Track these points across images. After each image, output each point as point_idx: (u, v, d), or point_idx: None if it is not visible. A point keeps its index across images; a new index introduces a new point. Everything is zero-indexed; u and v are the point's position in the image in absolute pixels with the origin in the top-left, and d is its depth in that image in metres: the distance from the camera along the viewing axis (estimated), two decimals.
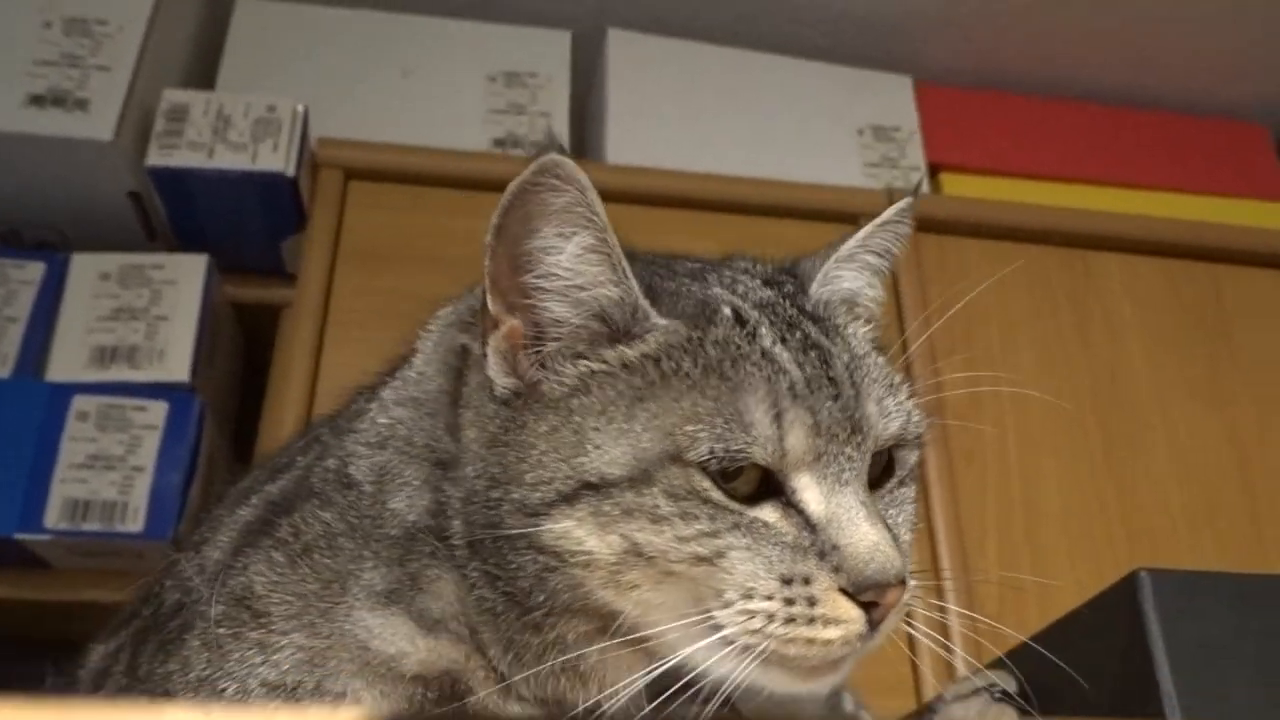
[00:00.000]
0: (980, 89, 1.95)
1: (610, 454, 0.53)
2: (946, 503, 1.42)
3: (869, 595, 0.53)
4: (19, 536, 1.31)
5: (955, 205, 1.70)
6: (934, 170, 1.81)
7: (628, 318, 0.56)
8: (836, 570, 0.53)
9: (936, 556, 1.38)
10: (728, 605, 0.52)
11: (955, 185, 1.80)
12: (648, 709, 0.55)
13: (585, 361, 0.56)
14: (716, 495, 0.53)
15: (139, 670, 0.59)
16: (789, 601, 0.52)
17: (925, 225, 1.63)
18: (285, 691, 0.55)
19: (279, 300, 1.56)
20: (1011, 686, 0.68)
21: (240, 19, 1.70)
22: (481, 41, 1.75)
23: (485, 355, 0.57)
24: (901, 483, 0.63)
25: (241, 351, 1.67)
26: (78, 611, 1.33)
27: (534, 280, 0.56)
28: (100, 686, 0.61)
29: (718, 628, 0.53)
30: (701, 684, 0.55)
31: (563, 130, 1.70)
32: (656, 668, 0.55)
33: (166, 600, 0.61)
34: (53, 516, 1.32)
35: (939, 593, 1.37)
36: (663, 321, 0.57)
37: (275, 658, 0.56)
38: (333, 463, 0.62)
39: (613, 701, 0.55)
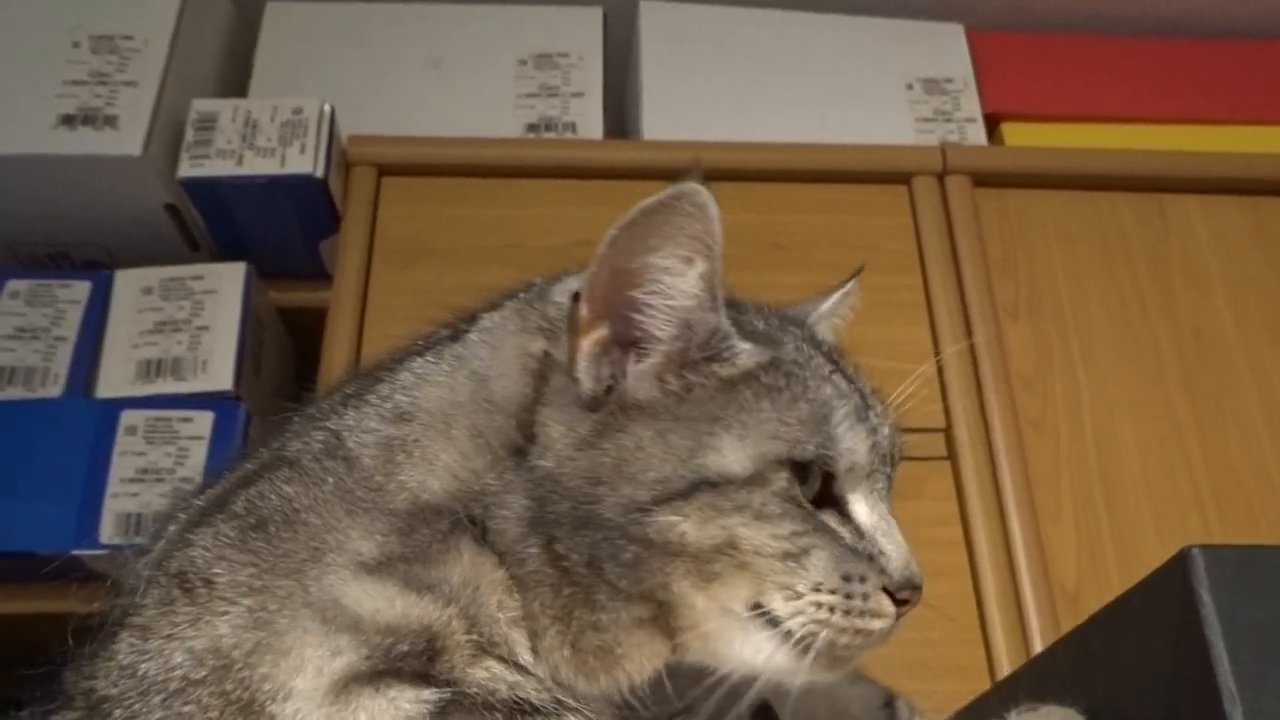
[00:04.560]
0: (1038, 31, 1.83)
1: (729, 455, 0.58)
2: (1016, 475, 1.33)
3: (905, 594, 0.61)
4: (76, 553, 1.33)
5: (1012, 156, 1.60)
6: (993, 121, 1.71)
7: (718, 342, 0.62)
8: (882, 572, 0.60)
9: (1008, 533, 1.30)
10: (798, 597, 0.58)
11: (1017, 135, 1.70)
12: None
13: (689, 374, 0.61)
14: (802, 499, 0.60)
15: (80, 670, 0.56)
16: (849, 596, 0.59)
17: (982, 180, 1.54)
18: (218, 655, 0.51)
19: (323, 303, 1.55)
20: None
21: (269, 23, 1.70)
22: (510, 25, 1.71)
23: (574, 360, 0.60)
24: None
25: (292, 356, 1.67)
26: None
27: (644, 296, 0.60)
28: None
29: (775, 620, 0.58)
30: (723, 679, 0.60)
31: (597, 110, 1.65)
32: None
33: (111, 615, 0.58)
34: (108, 531, 1.33)
35: (1009, 561, 1.30)
36: (746, 345, 0.63)
37: (214, 623, 0.52)
38: (321, 435, 0.61)
39: (634, 687, 0.59)
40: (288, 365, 1.65)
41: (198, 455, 1.37)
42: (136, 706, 0.51)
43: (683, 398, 0.60)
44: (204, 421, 1.39)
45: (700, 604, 0.58)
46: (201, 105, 1.48)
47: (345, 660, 0.51)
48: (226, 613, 0.53)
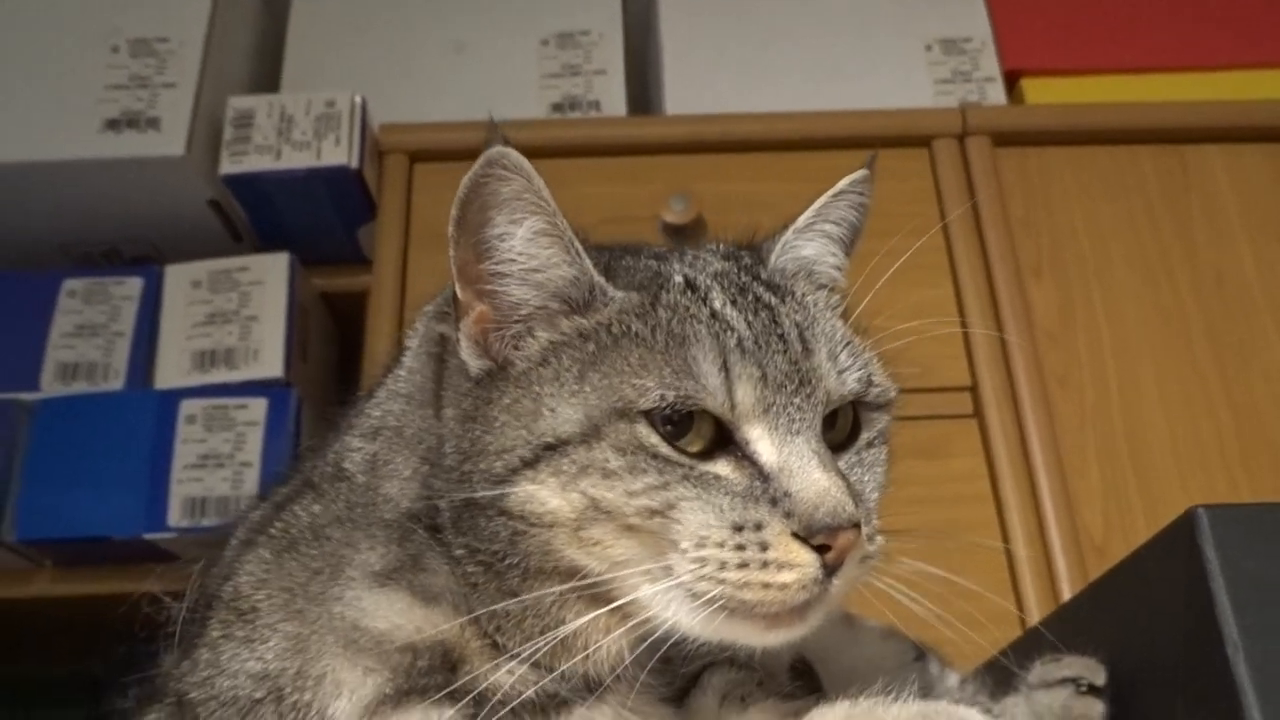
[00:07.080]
0: None
1: (563, 414, 0.57)
2: (1043, 431, 1.36)
3: (820, 538, 0.55)
4: (147, 536, 1.40)
5: (1031, 114, 1.61)
6: (1013, 77, 1.72)
7: (584, 294, 0.60)
8: (788, 515, 0.56)
9: (1035, 487, 1.34)
10: (684, 554, 0.55)
11: (1038, 91, 1.71)
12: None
13: (546, 334, 0.60)
14: (665, 450, 0.56)
15: (172, 673, 0.63)
16: (740, 547, 0.55)
17: (1001, 139, 1.56)
18: (270, 680, 0.57)
19: (364, 287, 1.60)
20: (1099, 679, 0.65)
21: (297, 18, 1.74)
22: (530, 5, 1.74)
23: (459, 340, 0.61)
24: (870, 444, 0.64)
25: (336, 340, 1.73)
26: None
27: (494, 267, 0.60)
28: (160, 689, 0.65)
29: (676, 578, 0.56)
30: (691, 647, 0.58)
31: (620, 86, 1.68)
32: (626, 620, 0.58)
33: (190, 621, 0.65)
34: (175, 515, 1.40)
35: (1037, 514, 1.33)
36: (619, 293, 0.60)
37: (261, 649, 0.59)
38: (331, 457, 0.66)
39: (599, 665, 0.59)
40: (333, 349, 1.71)
41: (254, 440, 1.43)
42: (218, 716, 0.58)
43: (545, 360, 0.59)
44: (258, 408, 1.45)
45: (608, 568, 0.56)
46: (238, 102, 1.53)
47: (373, 684, 0.57)
48: (269, 640, 0.59)
